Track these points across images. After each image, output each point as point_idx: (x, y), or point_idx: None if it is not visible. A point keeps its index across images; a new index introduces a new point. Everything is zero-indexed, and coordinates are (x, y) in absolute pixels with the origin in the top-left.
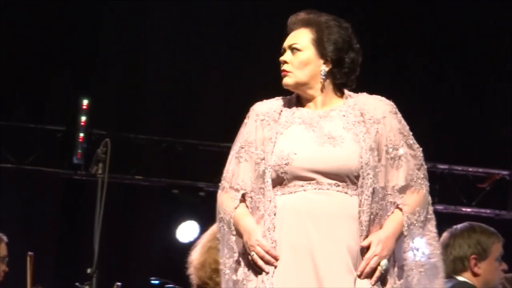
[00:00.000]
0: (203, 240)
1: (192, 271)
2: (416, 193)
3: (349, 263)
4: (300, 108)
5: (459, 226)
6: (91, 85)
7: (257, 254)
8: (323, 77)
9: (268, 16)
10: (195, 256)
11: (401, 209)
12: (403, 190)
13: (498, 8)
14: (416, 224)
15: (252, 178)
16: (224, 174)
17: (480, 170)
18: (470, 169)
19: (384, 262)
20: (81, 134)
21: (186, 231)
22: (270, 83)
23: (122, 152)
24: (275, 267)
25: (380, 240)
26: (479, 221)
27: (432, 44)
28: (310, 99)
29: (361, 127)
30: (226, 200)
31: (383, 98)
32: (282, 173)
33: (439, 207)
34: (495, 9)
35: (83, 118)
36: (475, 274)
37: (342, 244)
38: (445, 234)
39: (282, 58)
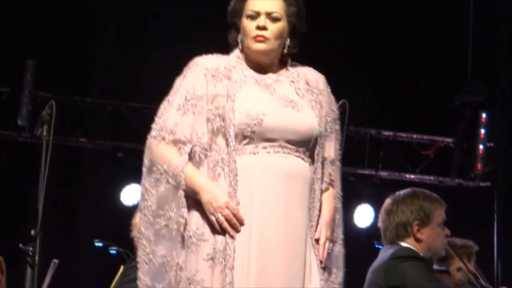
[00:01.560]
0: None
1: (135, 234)
2: (338, 170)
3: (307, 230)
4: (249, 69)
5: (402, 192)
6: (37, 46)
7: (225, 216)
8: (287, 48)
9: None
10: (138, 219)
11: (332, 185)
12: (333, 163)
13: None
14: (340, 200)
15: (199, 133)
16: (161, 124)
17: (425, 137)
18: (415, 136)
19: (330, 244)
20: (26, 96)
21: (130, 194)
22: (215, 47)
23: (67, 115)
24: (239, 231)
25: (327, 224)
26: (423, 187)
27: (380, 9)
28: (264, 65)
29: (311, 96)
30: (170, 152)
31: (316, 70)
32: (249, 132)
33: (383, 173)
34: None
35: (29, 80)
36: (418, 240)
37: (303, 209)
38: (388, 201)
39: (261, 24)
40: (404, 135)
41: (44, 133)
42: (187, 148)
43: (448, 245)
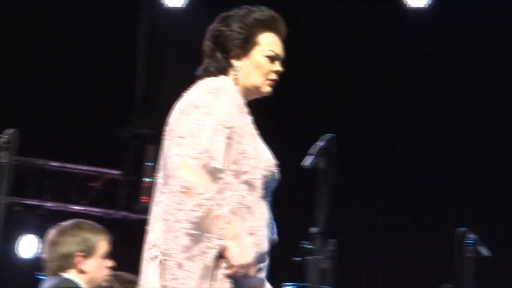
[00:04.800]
0: None
1: None
2: None
3: None
4: None
5: (66, 223)
6: None
7: (247, 275)
8: None
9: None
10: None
11: None
12: None
13: None
14: None
15: (225, 165)
16: (202, 145)
17: (92, 169)
18: (83, 168)
19: None
20: None
21: None
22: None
23: None
24: None
25: None
26: (90, 219)
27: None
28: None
29: None
30: (213, 186)
31: None
32: (266, 180)
33: (50, 205)
34: None
35: None
36: (81, 271)
37: None
38: (52, 231)
39: (280, 70)
40: (72, 166)
41: None
42: (225, 178)
43: (115, 279)
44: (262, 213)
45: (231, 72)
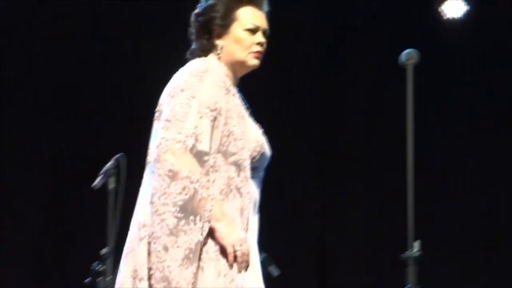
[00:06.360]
0: None
1: None
2: None
3: None
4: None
5: None
6: None
7: (242, 251)
8: None
9: None
10: None
11: None
12: None
13: None
14: None
15: (213, 147)
16: (188, 129)
17: None
18: None
19: None
20: None
21: None
22: None
23: None
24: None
25: None
26: None
27: None
28: (238, 79)
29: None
30: (196, 167)
31: None
32: (254, 160)
33: None
34: None
35: None
36: None
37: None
38: None
39: (262, 41)
40: None
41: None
42: (211, 161)
43: None
44: (249, 193)
45: (215, 52)
